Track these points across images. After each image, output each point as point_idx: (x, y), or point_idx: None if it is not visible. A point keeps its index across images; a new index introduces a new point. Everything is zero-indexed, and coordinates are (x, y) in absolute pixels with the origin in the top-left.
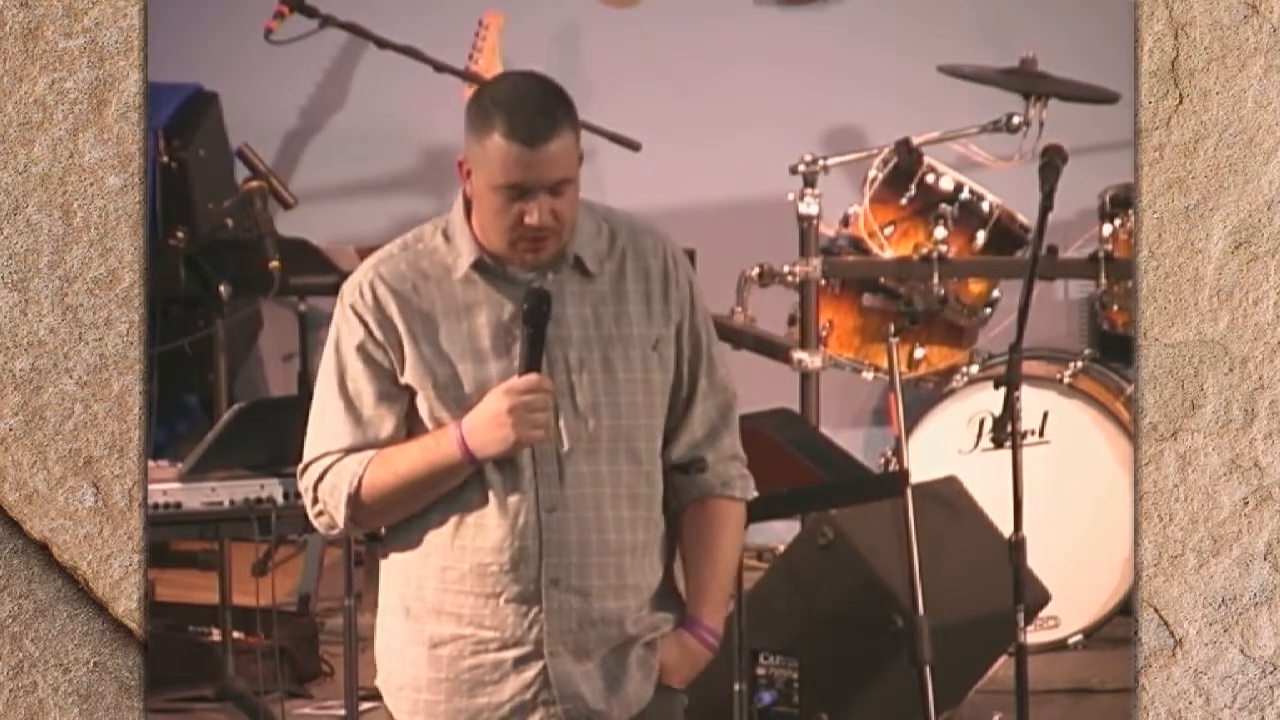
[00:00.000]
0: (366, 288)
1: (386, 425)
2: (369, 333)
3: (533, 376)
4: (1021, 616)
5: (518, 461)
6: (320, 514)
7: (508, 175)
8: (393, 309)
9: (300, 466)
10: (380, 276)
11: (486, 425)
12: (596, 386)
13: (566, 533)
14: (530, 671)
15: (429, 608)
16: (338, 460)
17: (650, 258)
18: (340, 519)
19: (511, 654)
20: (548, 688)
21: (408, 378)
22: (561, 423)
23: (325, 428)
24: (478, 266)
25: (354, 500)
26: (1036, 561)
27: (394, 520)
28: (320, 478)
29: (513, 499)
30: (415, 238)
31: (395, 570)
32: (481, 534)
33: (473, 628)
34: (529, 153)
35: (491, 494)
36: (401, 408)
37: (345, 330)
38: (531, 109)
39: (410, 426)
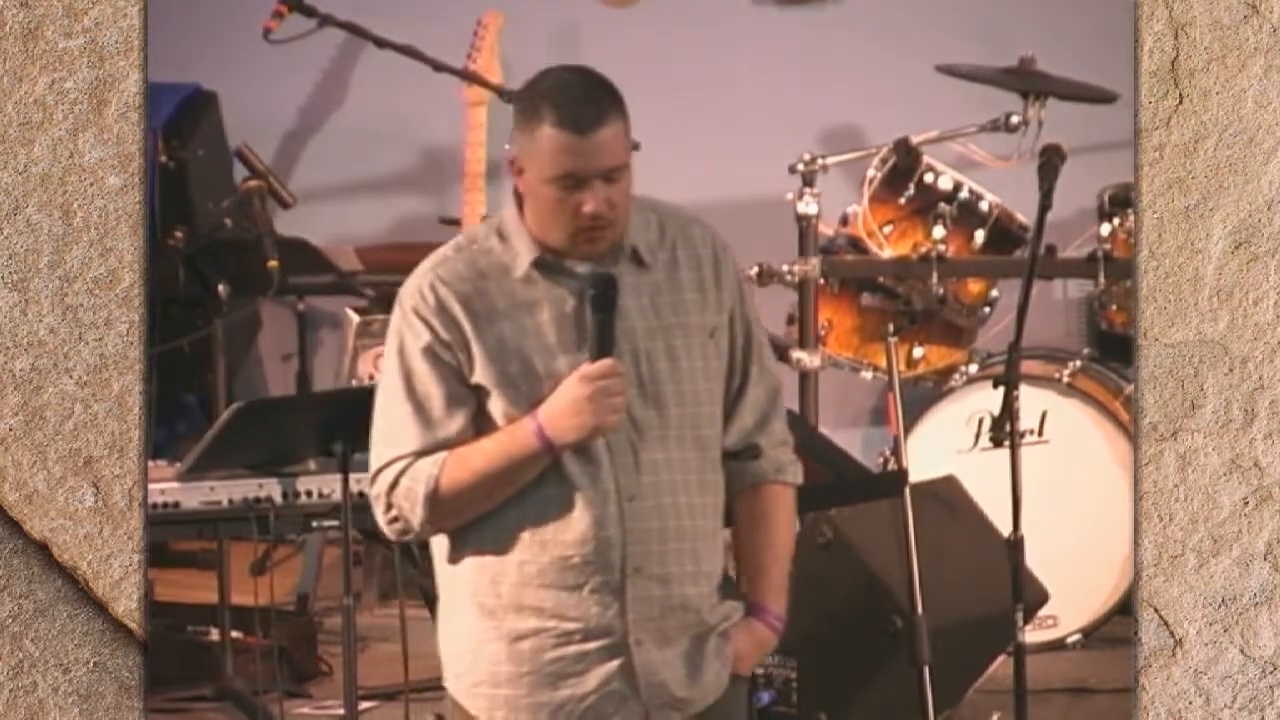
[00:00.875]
0: (428, 290)
1: (456, 425)
2: (435, 334)
3: (607, 361)
4: (1020, 616)
5: (594, 453)
6: (394, 520)
7: (560, 165)
8: (457, 309)
9: (370, 474)
10: (440, 278)
11: (565, 413)
12: (662, 375)
13: (647, 520)
14: (614, 662)
15: (507, 603)
16: (410, 464)
17: (700, 246)
18: (417, 522)
19: (595, 644)
20: (632, 677)
21: (477, 377)
22: (633, 412)
23: (394, 433)
24: (537, 264)
25: (432, 501)
26: (1035, 561)
27: (469, 519)
28: (394, 483)
29: (594, 490)
30: (469, 239)
31: (467, 570)
32: (563, 527)
33: (555, 620)
34: (580, 140)
35: (571, 486)
36: (470, 407)
37: (409, 334)
38: (579, 98)
39: (478, 426)
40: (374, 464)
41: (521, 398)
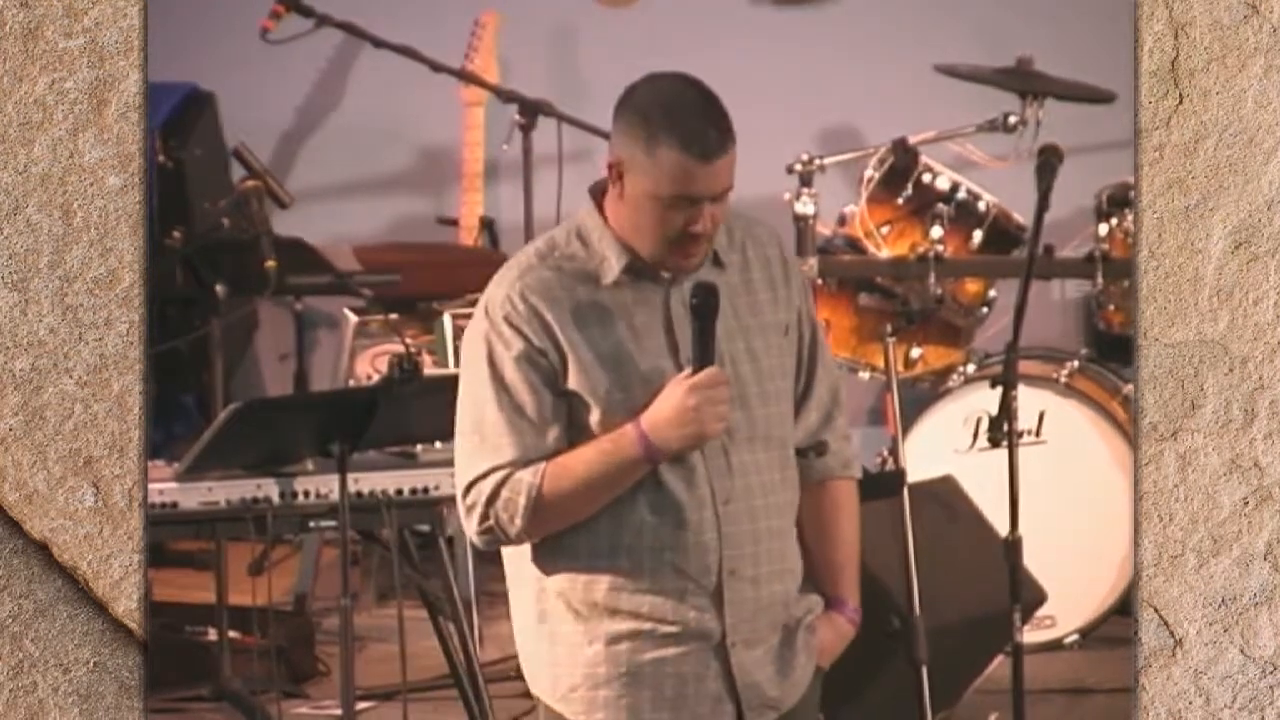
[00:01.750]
0: (518, 299)
1: (553, 434)
2: (528, 342)
3: (714, 370)
4: (1018, 616)
5: (689, 459)
6: (487, 530)
7: (678, 187)
8: (549, 317)
9: (462, 485)
10: (529, 287)
11: (671, 422)
12: (745, 376)
13: (740, 523)
14: (714, 664)
15: (602, 608)
16: (509, 474)
17: (768, 246)
18: (514, 532)
19: (693, 646)
20: (729, 679)
21: (572, 384)
22: None
23: (488, 443)
24: (627, 269)
25: (533, 511)
26: (1033, 561)
27: (564, 527)
28: (493, 494)
29: (690, 495)
30: (549, 246)
31: (560, 576)
32: (660, 533)
33: (653, 623)
34: (703, 166)
35: (670, 493)
36: (565, 415)
37: (499, 344)
38: (704, 122)
39: (570, 434)
40: (467, 474)
41: (615, 404)
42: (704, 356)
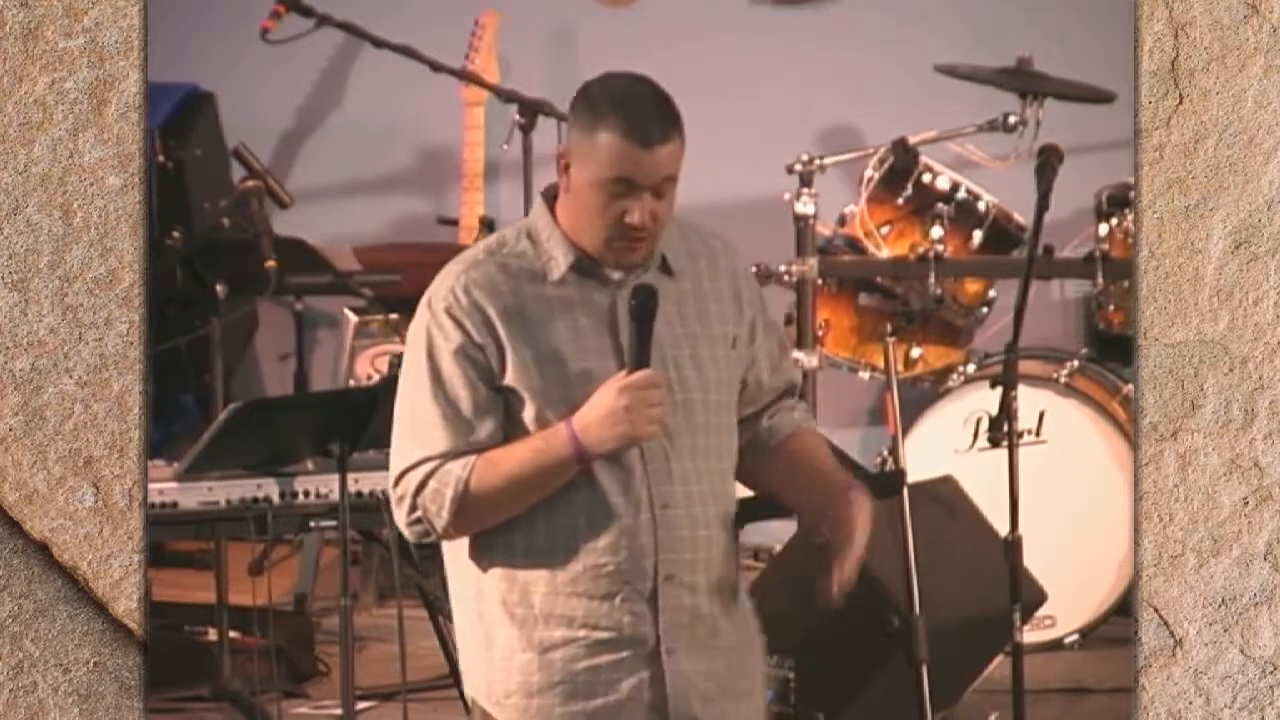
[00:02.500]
0: (461, 292)
1: (486, 429)
2: (467, 336)
3: (648, 372)
4: (1018, 616)
5: (626, 461)
6: (416, 522)
7: (617, 170)
8: (491, 311)
9: (394, 475)
10: (473, 281)
11: (602, 422)
12: (690, 383)
13: (679, 529)
14: (646, 671)
15: (539, 613)
16: (438, 465)
17: (722, 259)
18: (441, 525)
19: (627, 654)
20: (660, 687)
21: (510, 380)
22: (666, 421)
23: (420, 434)
24: (574, 267)
25: (459, 504)
26: (1033, 561)
27: (494, 524)
28: (421, 484)
29: (626, 497)
30: (498, 243)
31: (496, 578)
32: (595, 535)
33: (586, 630)
34: (642, 152)
35: (604, 493)
36: (499, 411)
37: (439, 335)
38: (649, 111)
39: (507, 430)
40: (398, 464)
41: (553, 402)
42: (640, 358)
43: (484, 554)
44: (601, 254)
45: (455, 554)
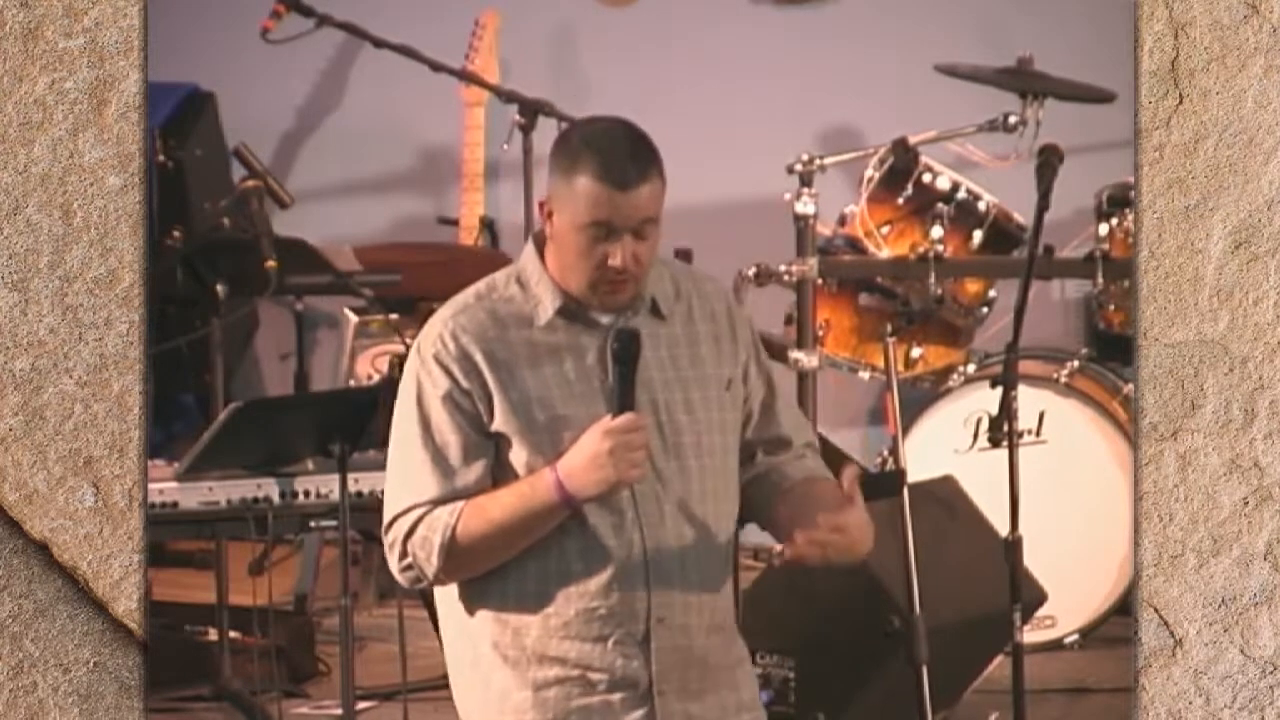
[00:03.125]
0: (449, 338)
1: (474, 475)
2: (454, 382)
3: (630, 415)
4: (1018, 616)
5: (619, 505)
6: (407, 568)
7: (594, 214)
8: (478, 357)
9: (385, 522)
10: (461, 327)
11: (586, 467)
12: (681, 427)
13: (671, 572)
14: (638, 711)
15: (531, 655)
16: (427, 512)
17: (714, 301)
18: (431, 572)
19: (620, 695)
20: None
21: (498, 425)
22: (655, 463)
23: (410, 481)
24: (561, 311)
25: (448, 551)
26: (1033, 561)
27: (484, 570)
28: (410, 531)
29: (617, 540)
30: (488, 288)
31: (488, 621)
32: (588, 579)
33: (580, 670)
34: (618, 195)
35: (597, 539)
36: (488, 457)
37: (427, 382)
38: (624, 154)
39: (497, 475)
40: (389, 510)
41: (542, 446)
42: (624, 402)
43: (475, 600)
44: (587, 298)
45: (446, 599)
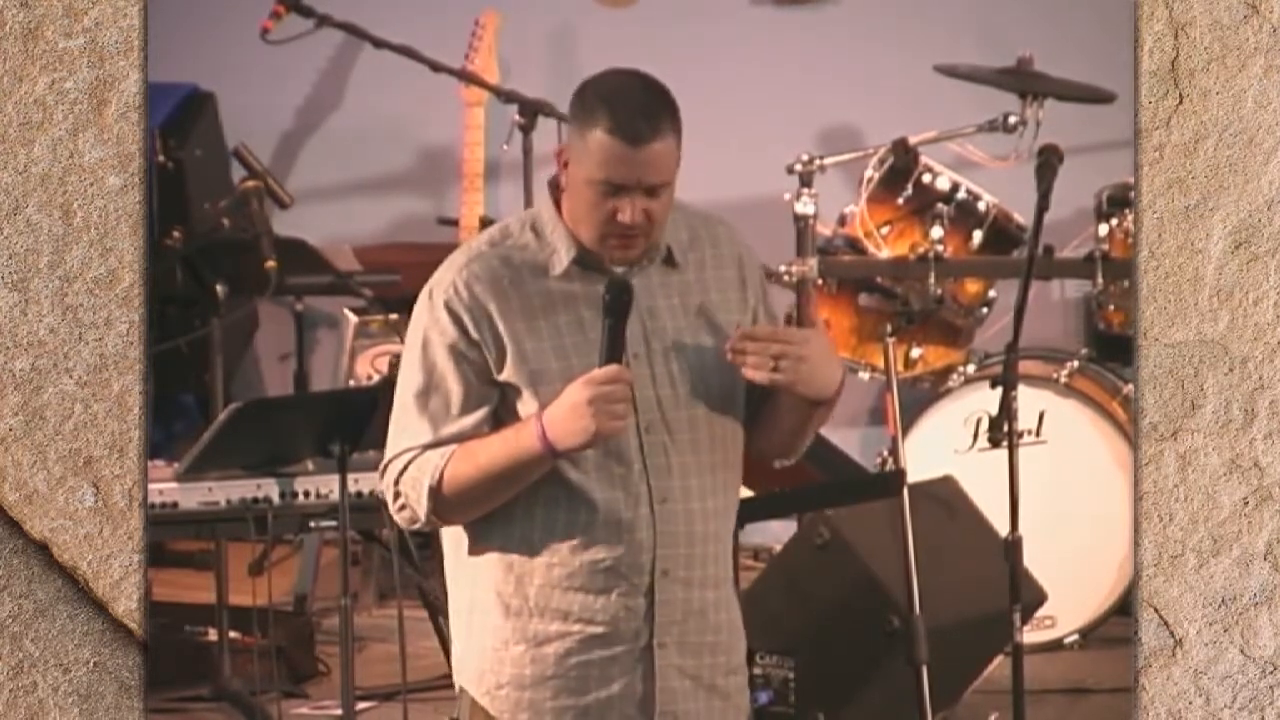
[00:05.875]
0: (462, 285)
1: (471, 420)
2: (463, 331)
3: (613, 367)
4: (1018, 616)
5: (627, 454)
6: (402, 508)
7: (606, 171)
8: (491, 306)
9: (382, 464)
10: (475, 274)
11: (566, 417)
12: (692, 375)
13: (676, 524)
14: (639, 666)
15: (533, 605)
16: (419, 454)
17: (726, 246)
18: (422, 512)
19: (621, 648)
20: (650, 680)
21: (508, 374)
22: (665, 413)
23: (408, 425)
24: (577, 261)
25: (435, 492)
26: (1033, 561)
27: (475, 514)
28: (402, 472)
29: (625, 492)
30: (502, 234)
31: (493, 568)
32: (593, 529)
33: (581, 624)
34: (631, 151)
35: (604, 488)
36: (490, 405)
37: (435, 329)
38: (637, 107)
39: (507, 423)
40: (388, 451)
41: (552, 395)
42: (612, 353)
43: (481, 542)
44: (599, 249)
45: (454, 542)
